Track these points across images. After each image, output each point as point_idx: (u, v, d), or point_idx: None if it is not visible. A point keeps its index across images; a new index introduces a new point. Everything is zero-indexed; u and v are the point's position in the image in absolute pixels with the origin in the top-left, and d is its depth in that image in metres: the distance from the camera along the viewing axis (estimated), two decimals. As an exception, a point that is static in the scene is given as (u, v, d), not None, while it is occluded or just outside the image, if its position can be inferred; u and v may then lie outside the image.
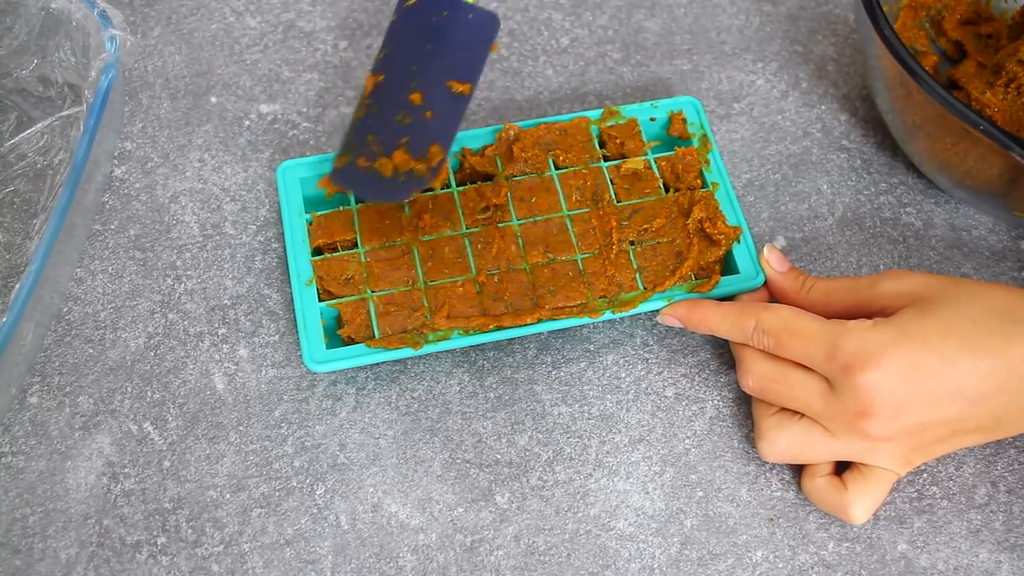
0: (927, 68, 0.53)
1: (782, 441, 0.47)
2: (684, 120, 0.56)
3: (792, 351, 0.46)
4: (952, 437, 0.44)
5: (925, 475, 0.50)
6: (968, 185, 0.54)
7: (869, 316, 0.46)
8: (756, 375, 0.47)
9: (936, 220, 0.57)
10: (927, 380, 0.43)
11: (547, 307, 0.50)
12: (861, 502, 0.46)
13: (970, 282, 0.45)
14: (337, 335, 0.51)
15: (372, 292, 0.51)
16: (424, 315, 0.50)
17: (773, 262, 0.51)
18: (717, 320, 0.48)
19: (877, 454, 0.45)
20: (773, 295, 0.52)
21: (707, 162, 0.55)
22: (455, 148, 0.55)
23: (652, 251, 0.52)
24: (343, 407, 0.51)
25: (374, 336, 0.49)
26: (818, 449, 0.46)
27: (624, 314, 0.50)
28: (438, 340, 0.49)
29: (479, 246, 0.52)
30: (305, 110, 0.60)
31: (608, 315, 0.50)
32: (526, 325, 0.50)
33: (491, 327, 0.50)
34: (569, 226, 0.53)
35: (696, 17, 0.65)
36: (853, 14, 0.65)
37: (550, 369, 0.52)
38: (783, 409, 0.47)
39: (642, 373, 0.52)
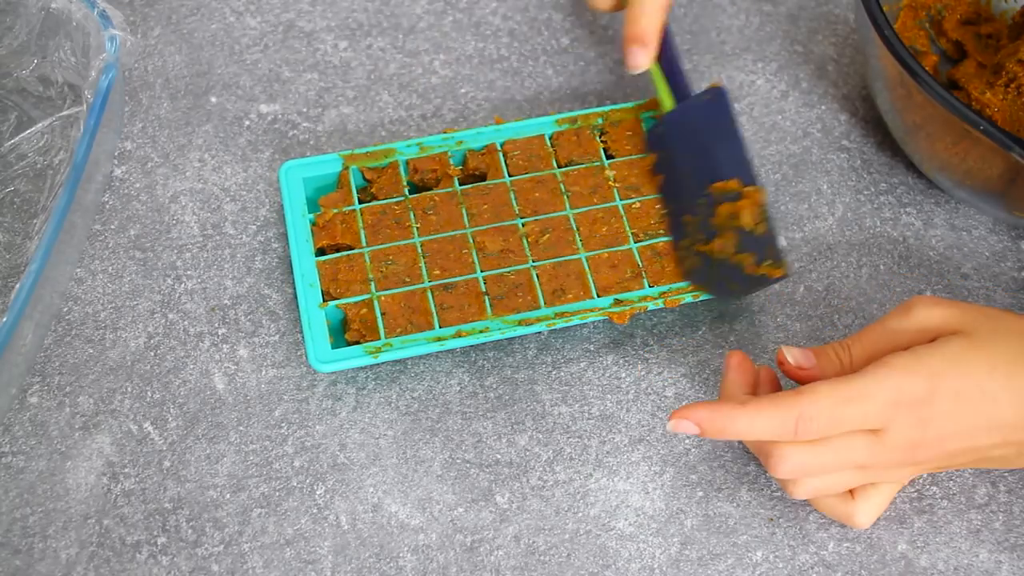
0: (927, 68, 0.53)
1: (812, 484, 0.45)
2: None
3: (850, 421, 0.42)
4: (977, 462, 0.45)
5: (925, 475, 0.50)
6: (968, 185, 0.54)
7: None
8: (792, 464, 0.43)
9: (936, 220, 0.57)
10: (970, 414, 0.43)
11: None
12: (869, 510, 0.46)
13: (1007, 315, 0.45)
14: (340, 335, 0.51)
15: (377, 292, 0.51)
16: (429, 315, 0.50)
17: (801, 361, 0.46)
18: (747, 421, 0.42)
19: (903, 472, 0.45)
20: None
21: None
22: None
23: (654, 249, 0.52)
24: (343, 407, 0.51)
25: (380, 336, 0.49)
26: (850, 483, 0.46)
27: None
28: (441, 339, 0.49)
29: (483, 244, 0.52)
30: (305, 110, 0.60)
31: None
32: (529, 325, 0.50)
33: (495, 327, 0.50)
34: (574, 225, 0.53)
35: (696, 17, 0.65)
36: (853, 14, 0.65)
37: (550, 369, 0.52)
38: None
39: (642, 373, 0.52)
